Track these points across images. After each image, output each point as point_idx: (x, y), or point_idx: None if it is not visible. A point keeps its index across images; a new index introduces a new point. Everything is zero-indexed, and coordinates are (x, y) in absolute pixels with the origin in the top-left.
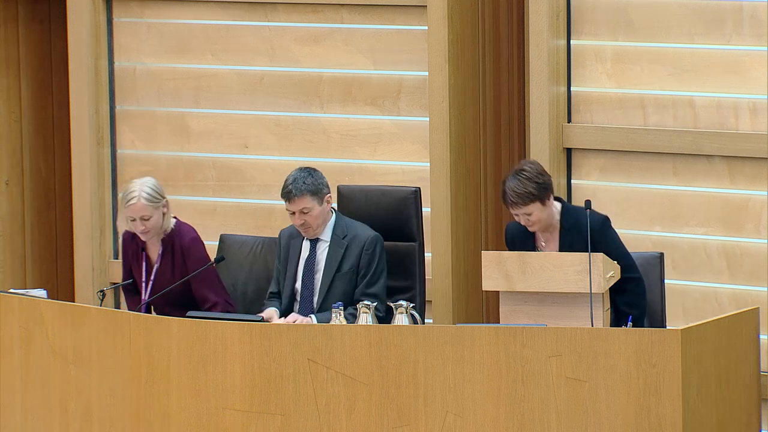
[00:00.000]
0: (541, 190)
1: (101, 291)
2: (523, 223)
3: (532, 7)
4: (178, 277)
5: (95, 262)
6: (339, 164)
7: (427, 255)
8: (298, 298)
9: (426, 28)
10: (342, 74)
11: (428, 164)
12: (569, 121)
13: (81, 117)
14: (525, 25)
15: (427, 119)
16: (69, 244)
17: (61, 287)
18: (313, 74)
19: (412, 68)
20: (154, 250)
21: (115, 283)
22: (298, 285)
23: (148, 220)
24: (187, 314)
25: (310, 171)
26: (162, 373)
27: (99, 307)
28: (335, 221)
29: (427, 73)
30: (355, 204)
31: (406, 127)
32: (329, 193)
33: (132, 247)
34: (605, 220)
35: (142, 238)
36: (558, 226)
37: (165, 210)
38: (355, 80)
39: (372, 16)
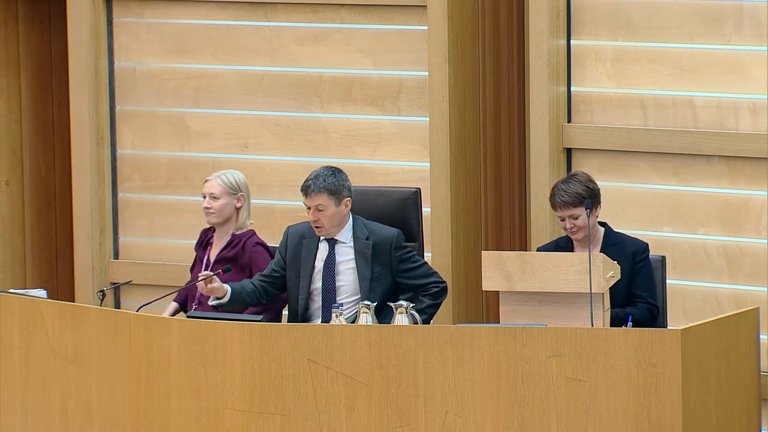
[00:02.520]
0: (590, 195)
1: (101, 291)
2: (567, 227)
3: (532, 7)
4: (224, 278)
5: (95, 262)
6: (339, 164)
7: (427, 255)
8: (317, 298)
9: (426, 28)
10: (342, 74)
11: (428, 164)
12: (569, 121)
13: (81, 117)
14: (525, 25)
15: (427, 119)
16: (69, 244)
17: (61, 287)
18: (313, 74)
19: (412, 68)
20: (219, 246)
21: (115, 283)
22: (317, 285)
23: (215, 200)
24: (187, 314)
25: (334, 171)
26: (162, 373)
27: (99, 307)
28: (353, 223)
29: (427, 73)
30: (353, 205)
31: (406, 127)
32: (349, 196)
33: (203, 237)
34: (647, 246)
35: (206, 218)
36: (600, 242)
37: (239, 204)
38: (355, 80)
39: (372, 16)
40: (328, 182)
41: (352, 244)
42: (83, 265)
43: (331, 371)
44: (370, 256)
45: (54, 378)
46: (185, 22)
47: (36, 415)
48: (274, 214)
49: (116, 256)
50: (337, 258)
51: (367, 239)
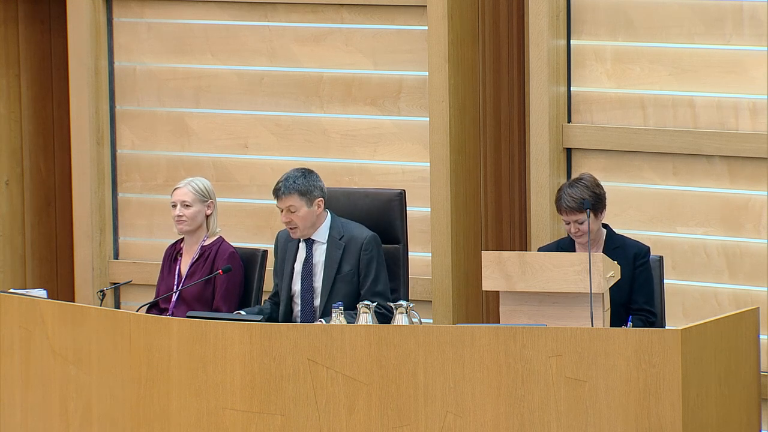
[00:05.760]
0: (596, 200)
1: (101, 291)
2: (572, 231)
3: (532, 7)
4: (201, 287)
5: (95, 262)
6: (339, 164)
7: (427, 255)
8: (298, 300)
9: (426, 28)
10: (342, 74)
11: (428, 164)
12: (569, 121)
13: (81, 117)
14: (525, 25)
15: (427, 119)
16: (69, 244)
17: (61, 287)
18: (313, 74)
19: (412, 68)
20: (189, 256)
21: (115, 283)
22: (297, 287)
23: (187, 207)
24: (187, 314)
25: (304, 172)
26: (162, 373)
27: (99, 307)
28: (331, 222)
29: (427, 73)
30: (338, 207)
31: (406, 127)
32: (321, 197)
33: (169, 252)
34: (649, 250)
35: (178, 227)
36: (602, 245)
37: (209, 212)
38: (355, 80)
39: (372, 16)
40: (299, 183)
41: (327, 243)
42: (83, 265)
43: (331, 371)
44: (339, 256)
45: (54, 378)
46: (185, 22)
47: (36, 415)
48: (274, 214)
49: (116, 256)
50: (314, 259)
51: (341, 239)
